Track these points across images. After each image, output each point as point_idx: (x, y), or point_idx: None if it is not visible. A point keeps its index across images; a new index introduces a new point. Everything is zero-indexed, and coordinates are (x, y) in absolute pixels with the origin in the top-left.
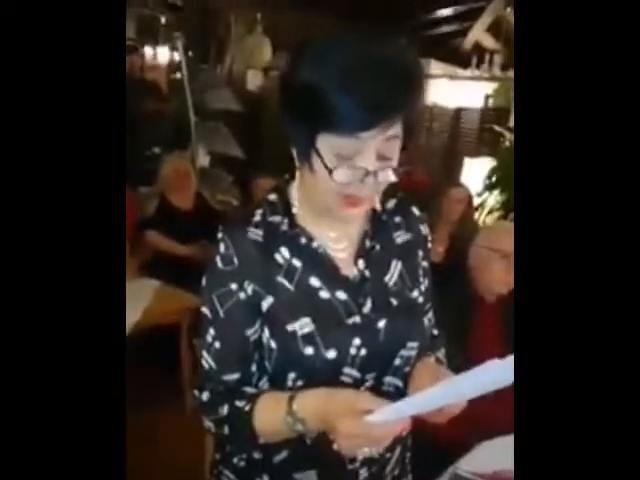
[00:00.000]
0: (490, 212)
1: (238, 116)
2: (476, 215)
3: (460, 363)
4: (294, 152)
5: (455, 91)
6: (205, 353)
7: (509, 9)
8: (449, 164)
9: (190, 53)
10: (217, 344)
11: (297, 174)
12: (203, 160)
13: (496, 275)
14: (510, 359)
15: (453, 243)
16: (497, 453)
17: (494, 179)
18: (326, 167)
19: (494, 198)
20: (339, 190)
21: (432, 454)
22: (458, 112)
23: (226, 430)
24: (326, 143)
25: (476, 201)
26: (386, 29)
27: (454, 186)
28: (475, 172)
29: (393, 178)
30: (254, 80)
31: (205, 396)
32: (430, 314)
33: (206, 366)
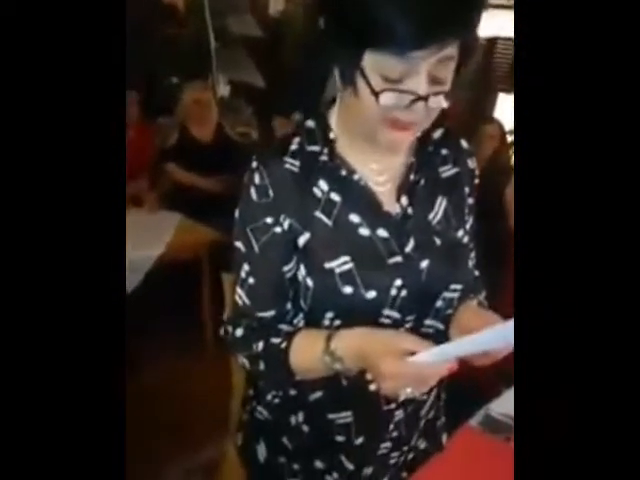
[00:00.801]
0: None
1: (260, 43)
2: (509, 152)
3: (494, 303)
4: (336, 73)
5: (488, 19)
6: (239, 289)
7: None
8: (482, 98)
9: None
10: (251, 280)
11: (337, 98)
12: (223, 90)
13: None
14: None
15: (485, 180)
16: None
17: None
18: (372, 90)
19: None
20: (384, 115)
21: (464, 395)
22: (492, 42)
23: (261, 366)
24: (373, 63)
25: (509, 138)
26: None
27: (487, 121)
28: (509, 108)
29: (445, 104)
30: (276, 5)
31: (239, 332)
32: (473, 254)
33: (240, 302)
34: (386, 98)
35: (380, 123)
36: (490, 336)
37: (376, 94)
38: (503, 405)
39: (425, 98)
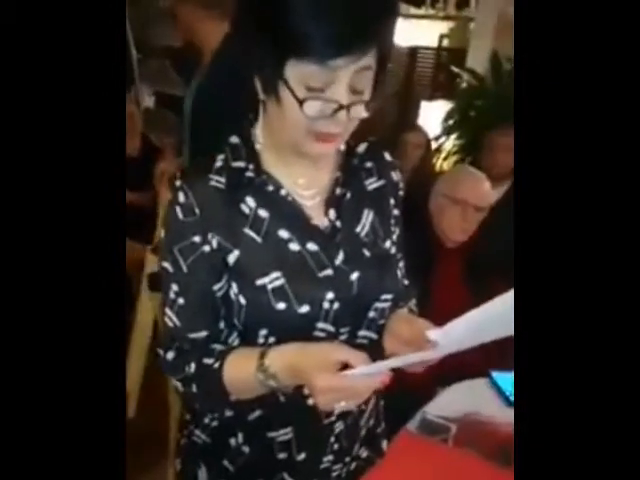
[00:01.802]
0: (447, 156)
1: (182, 52)
2: (433, 159)
3: (422, 310)
4: (258, 84)
5: (409, 30)
6: (168, 310)
7: None
8: (404, 107)
9: None
10: (181, 300)
11: (260, 111)
12: (148, 101)
13: (453, 222)
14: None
15: (412, 189)
16: (465, 396)
17: (451, 122)
18: (296, 98)
19: (451, 142)
20: (308, 126)
21: (400, 400)
22: (412, 52)
23: (194, 389)
24: (295, 73)
25: (433, 145)
26: None
27: (410, 130)
28: (432, 115)
29: (365, 113)
30: None
31: (170, 355)
32: (401, 264)
33: (170, 324)
34: (310, 107)
35: (305, 135)
36: (426, 354)
37: (300, 102)
38: (438, 407)
39: (347, 107)
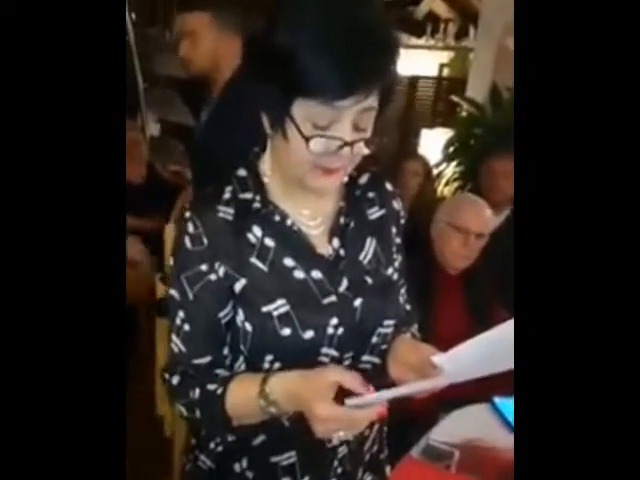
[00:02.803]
0: (447, 183)
1: (188, 82)
2: (434, 185)
3: (424, 335)
4: (265, 119)
5: (409, 60)
6: (174, 336)
7: None
8: (405, 135)
9: (134, 16)
10: (186, 327)
11: (268, 144)
12: (153, 129)
13: (455, 249)
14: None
15: (413, 216)
16: (468, 422)
17: (451, 149)
18: (302, 136)
19: (452, 169)
20: (313, 161)
21: (404, 425)
22: (413, 82)
23: (197, 414)
24: (302, 111)
25: (434, 172)
26: None
27: (410, 158)
28: (433, 144)
29: (366, 150)
30: None
31: (175, 380)
32: (403, 290)
33: (175, 349)
34: (315, 144)
35: (310, 169)
36: (424, 384)
37: (307, 140)
38: (442, 433)
39: (351, 144)
